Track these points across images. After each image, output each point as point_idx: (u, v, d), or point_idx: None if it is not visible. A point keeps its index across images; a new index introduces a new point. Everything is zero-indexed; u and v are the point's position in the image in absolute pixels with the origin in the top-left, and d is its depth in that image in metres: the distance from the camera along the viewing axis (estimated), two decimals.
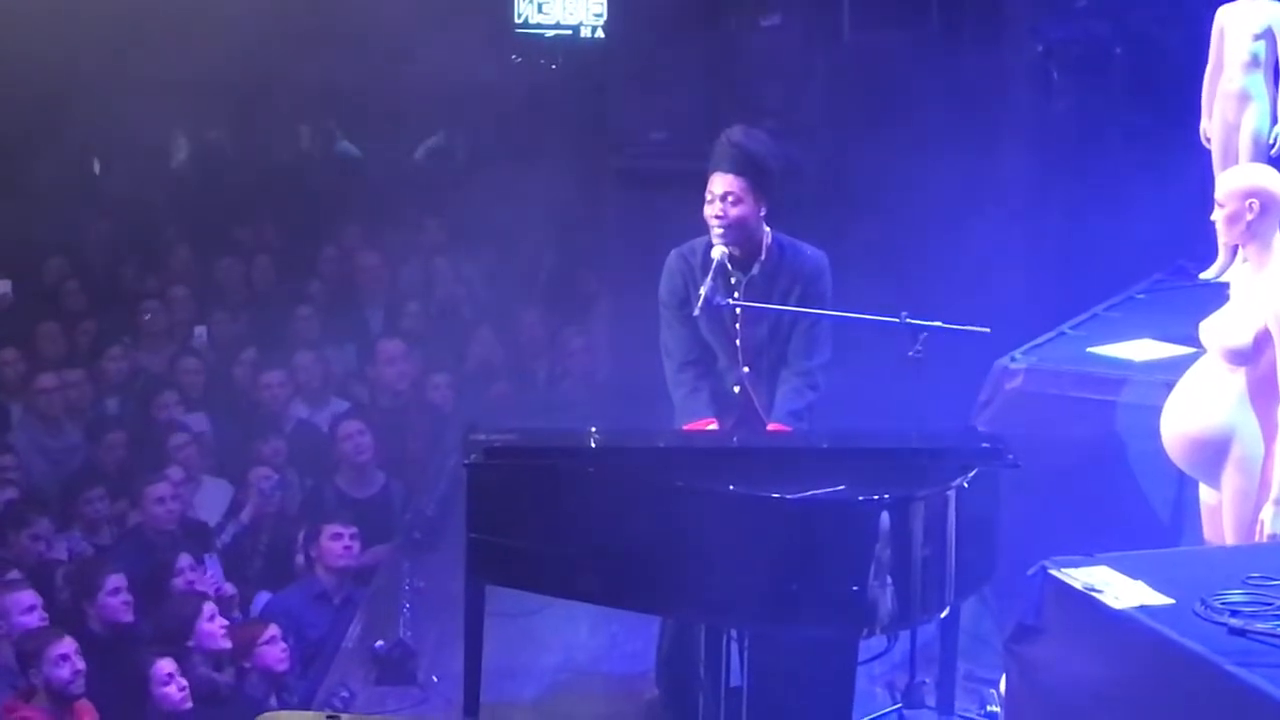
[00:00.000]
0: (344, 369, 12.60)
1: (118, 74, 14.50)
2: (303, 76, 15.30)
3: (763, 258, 7.36)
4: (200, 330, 12.92)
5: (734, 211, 7.25)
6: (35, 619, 8.51)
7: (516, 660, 8.16)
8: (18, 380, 11.87)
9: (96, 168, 14.89)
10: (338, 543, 9.57)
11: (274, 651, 8.78)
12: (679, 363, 7.45)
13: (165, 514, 9.97)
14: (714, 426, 7.33)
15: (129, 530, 10.11)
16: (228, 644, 8.68)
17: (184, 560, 9.31)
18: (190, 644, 8.57)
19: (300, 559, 9.91)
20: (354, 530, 9.65)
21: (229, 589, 9.57)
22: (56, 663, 7.97)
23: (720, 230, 7.24)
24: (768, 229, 7.38)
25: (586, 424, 7.39)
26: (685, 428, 7.37)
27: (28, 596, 8.59)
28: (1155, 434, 6.85)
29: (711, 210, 7.27)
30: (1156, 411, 6.88)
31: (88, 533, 10.12)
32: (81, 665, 8.03)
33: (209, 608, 8.71)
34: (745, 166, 7.25)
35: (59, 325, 12.59)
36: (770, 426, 7.35)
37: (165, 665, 8.16)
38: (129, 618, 8.82)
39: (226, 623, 8.77)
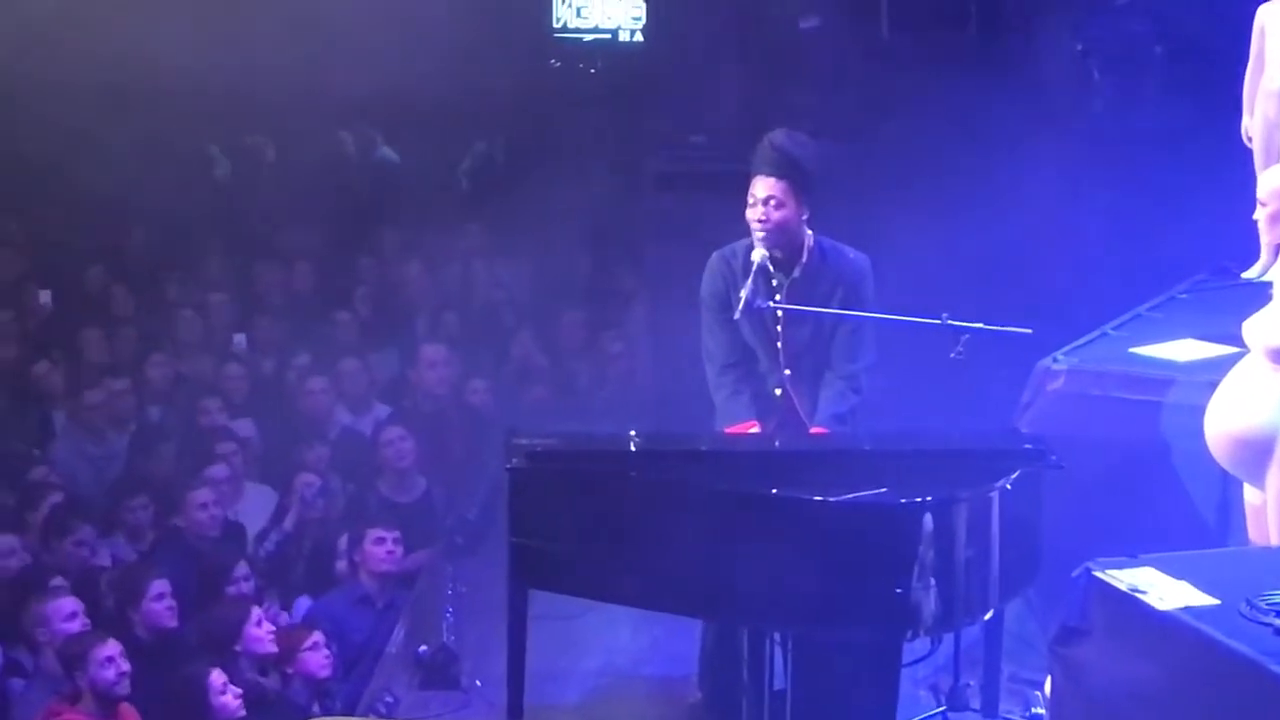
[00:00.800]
0: (386, 374, 12.61)
1: (158, 80, 14.54)
2: (343, 82, 15.33)
3: (804, 260, 7.36)
4: (240, 338, 12.96)
5: (776, 215, 7.25)
6: (77, 625, 8.52)
7: (559, 664, 8.16)
8: (60, 389, 11.91)
9: (138, 174, 14.90)
10: (380, 547, 9.57)
11: (317, 657, 8.79)
12: (720, 365, 7.46)
13: (207, 519, 10.00)
14: (755, 429, 7.32)
15: (169, 535, 10.13)
16: (274, 648, 8.69)
17: (241, 569, 9.32)
18: (238, 649, 8.58)
19: (343, 564, 9.92)
20: (396, 534, 9.65)
21: (268, 598, 9.57)
22: (102, 664, 7.99)
23: (762, 233, 7.25)
24: (810, 231, 7.38)
25: (627, 427, 7.38)
26: (727, 430, 7.37)
27: (69, 603, 8.61)
28: (1199, 434, 6.82)
29: (754, 214, 7.28)
30: (1200, 411, 6.85)
31: (131, 539, 10.14)
32: (126, 667, 8.05)
33: (256, 612, 8.72)
34: (787, 170, 7.25)
35: (101, 332, 12.62)
36: (813, 430, 7.34)
37: (218, 676, 8.16)
38: (173, 623, 8.83)
39: (273, 628, 8.78)
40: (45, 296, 13.49)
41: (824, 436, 7.32)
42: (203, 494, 10.08)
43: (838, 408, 7.36)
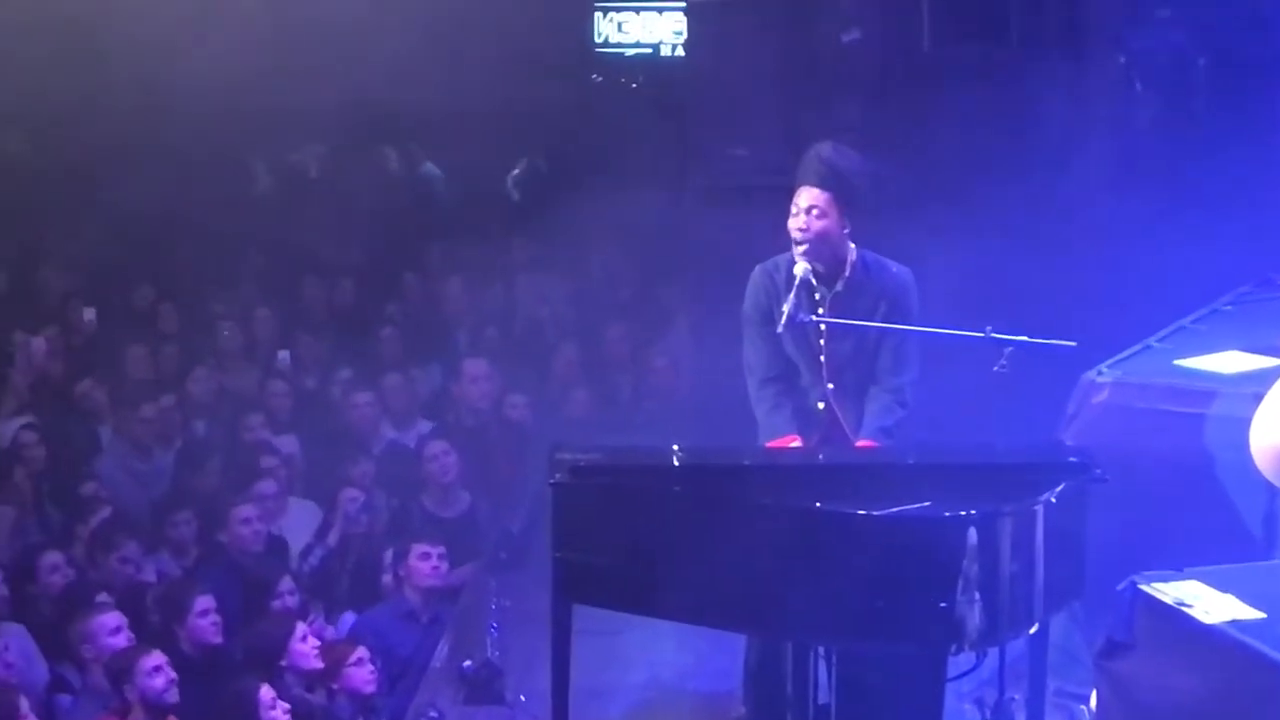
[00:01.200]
0: (428, 389, 12.64)
1: (203, 97, 14.62)
2: (386, 98, 15.39)
3: (848, 274, 7.36)
4: (284, 354, 13.00)
5: (816, 225, 7.26)
6: (122, 640, 8.55)
7: (603, 679, 8.17)
8: (105, 405, 11.97)
9: (183, 191, 14.99)
10: (425, 562, 9.59)
11: (362, 673, 8.79)
12: (761, 379, 7.46)
13: (251, 535, 10.03)
14: (797, 443, 7.32)
15: (214, 551, 10.16)
16: (320, 664, 8.70)
17: (285, 584, 9.35)
18: (284, 664, 8.59)
19: (388, 578, 9.95)
20: (442, 550, 9.66)
21: (313, 614, 9.60)
22: (149, 674, 8.03)
23: (803, 243, 7.25)
24: (853, 245, 7.38)
25: (670, 441, 7.38)
26: (769, 445, 7.37)
27: (114, 618, 8.64)
28: (1244, 446, 6.79)
29: (795, 223, 7.29)
30: (1245, 424, 6.82)
31: (175, 555, 10.17)
32: (174, 675, 8.09)
33: (301, 628, 8.74)
34: (830, 181, 7.26)
35: (146, 349, 12.68)
36: (860, 443, 7.34)
37: (268, 692, 8.17)
38: (218, 639, 8.86)
39: (318, 643, 8.79)
40: (90, 314, 13.56)
41: (868, 450, 7.31)
42: (246, 510, 10.11)
43: (884, 421, 7.35)
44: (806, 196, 7.30)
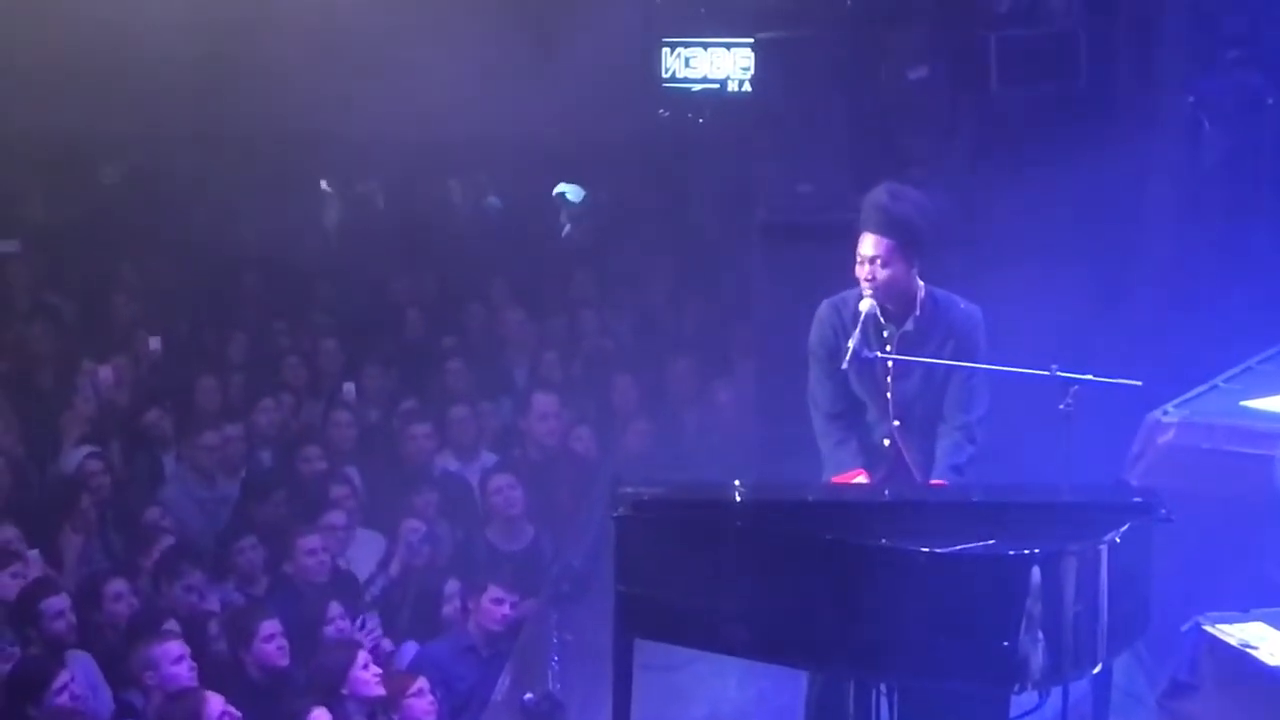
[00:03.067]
0: (496, 423, 12.67)
1: (272, 130, 14.72)
2: (453, 131, 15.46)
3: (917, 313, 7.37)
4: (349, 386, 13.05)
5: (882, 274, 7.27)
6: (185, 670, 8.57)
7: (664, 714, 8.16)
8: (172, 433, 12.03)
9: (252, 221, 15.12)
10: (499, 607, 9.57)
11: (422, 704, 8.80)
12: (826, 414, 7.47)
13: (316, 565, 10.06)
14: (863, 478, 7.31)
15: (280, 580, 10.20)
16: (381, 691, 8.70)
17: (334, 609, 9.38)
18: (345, 691, 8.61)
19: (449, 610, 9.96)
20: (515, 598, 9.66)
21: (388, 644, 9.62)
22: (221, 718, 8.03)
23: (870, 291, 7.27)
24: (921, 283, 7.38)
25: (733, 476, 7.38)
26: (834, 479, 7.36)
27: (176, 647, 8.66)
28: None
29: (861, 272, 7.32)
30: None
31: (242, 583, 10.22)
32: (239, 715, 8.10)
33: (362, 656, 8.76)
34: (891, 229, 7.27)
35: (215, 380, 12.75)
36: (933, 482, 7.32)
37: (320, 716, 8.19)
38: (285, 662, 8.90)
39: (379, 671, 8.81)
40: (155, 343, 13.64)
41: (932, 487, 7.30)
42: (311, 540, 10.15)
43: (956, 459, 7.35)
44: (870, 245, 7.31)
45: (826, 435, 7.47)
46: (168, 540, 10.32)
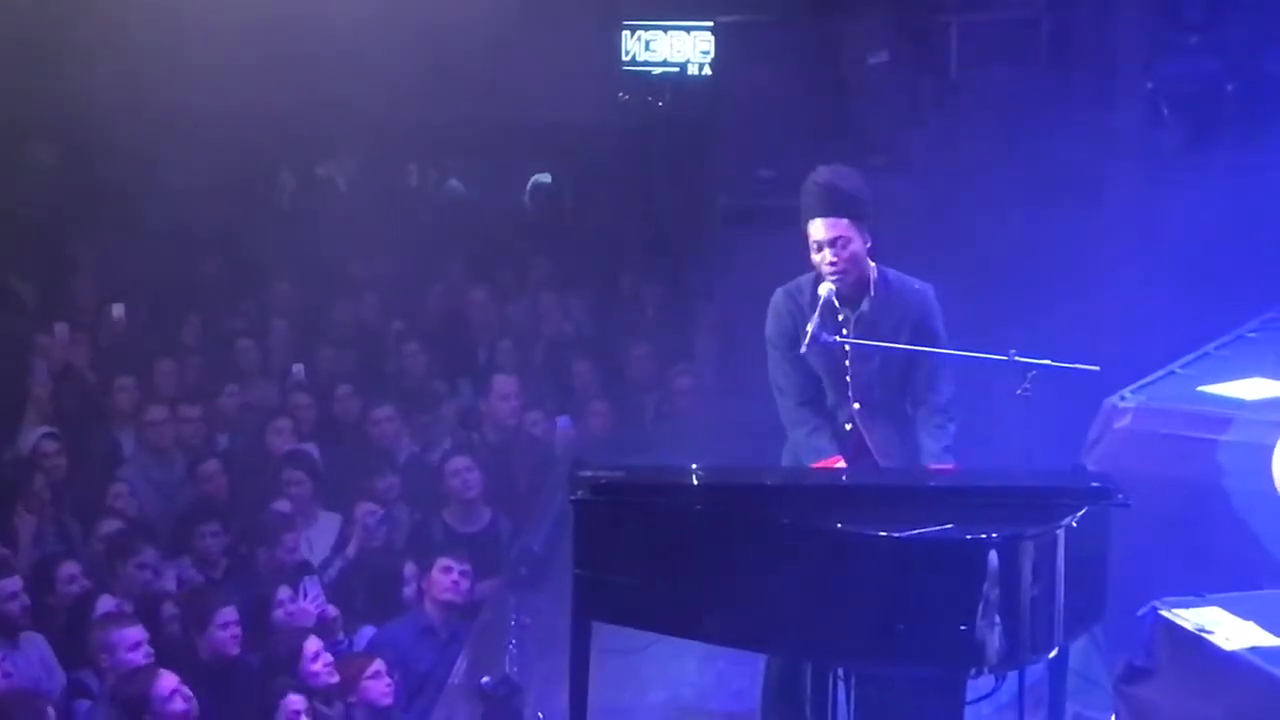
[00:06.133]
0: (453, 405, 12.66)
1: (230, 113, 14.66)
2: (412, 114, 15.42)
3: (872, 293, 7.34)
4: (298, 367, 13.01)
5: (845, 254, 7.23)
6: (141, 656, 8.54)
7: (622, 698, 8.16)
8: (130, 412, 12.00)
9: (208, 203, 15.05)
10: (447, 575, 9.59)
11: (379, 686, 8.80)
12: (796, 402, 7.43)
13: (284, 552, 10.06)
14: (841, 464, 7.30)
15: (240, 563, 10.19)
16: (335, 678, 8.70)
17: (283, 593, 9.36)
18: (295, 683, 8.59)
19: (409, 590, 9.96)
20: (465, 566, 9.67)
21: (332, 610, 9.59)
22: (168, 699, 8.04)
23: (836, 275, 7.22)
24: (873, 263, 7.36)
25: (691, 460, 7.37)
26: (814, 466, 7.36)
27: (135, 633, 8.64)
28: (1267, 473, 6.80)
29: (823, 257, 7.23)
30: (1268, 450, 6.83)
31: (201, 566, 10.19)
32: (190, 694, 8.10)
33: (311, 646, 8.72)
34: (844, 206, 7.23)
35: (173, 362, 12.71)
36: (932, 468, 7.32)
37: (295, 702, 8.16)
38: (236, 651, 8.88)
39: (331, 658, 8.79)
40: (119, 310, 13.59)
41: (890, 471, 7.31)
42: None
43: (941, 442, 7.34)
44: (825, 228, 7.24)
45: (799, 423, 7.43)
46: (116, 522, 10.28)
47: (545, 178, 17.49)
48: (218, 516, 10.47)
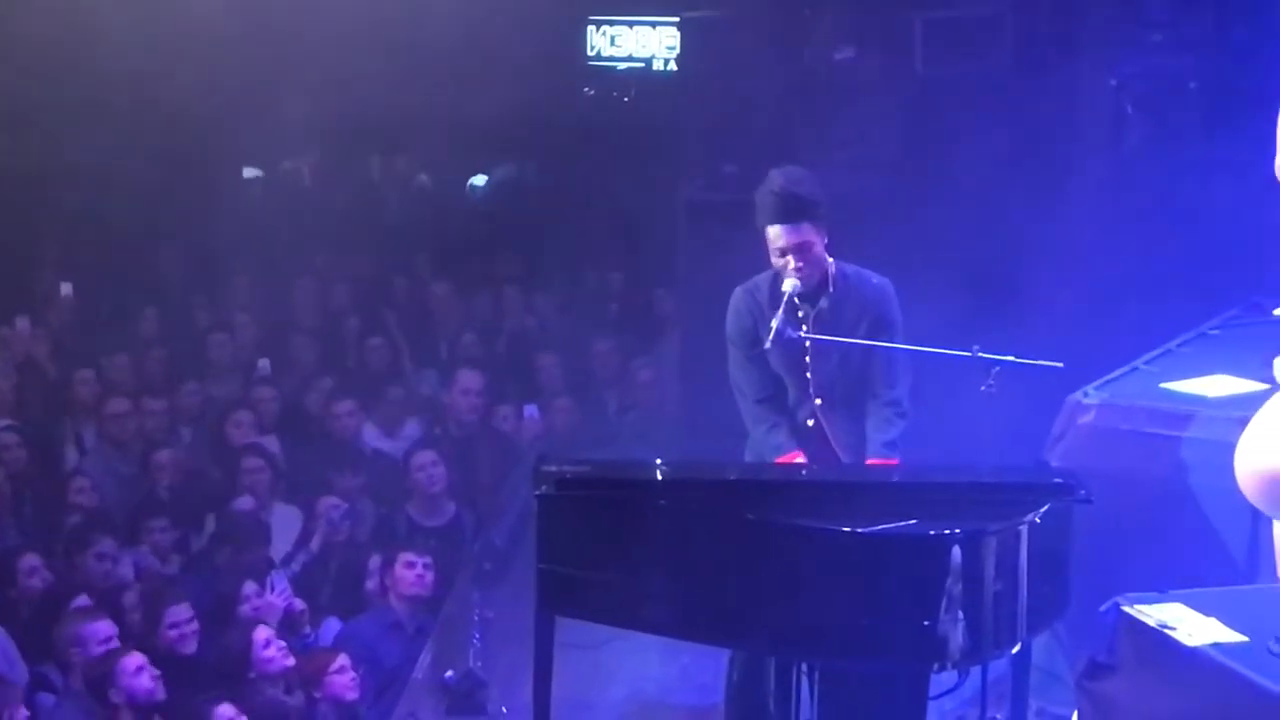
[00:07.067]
0: (418, 398, 12.65)
1: (196, 105, 14.61)
2: (377, 108, 15.38)
3: (830, 289, 7.37)
4: (264, 362, 12.98)
5: (810, 256, 7.28)
6: (110, 649, 8.55)
7: (586, 692, 8.16)
8: (91, 404, 11.96)
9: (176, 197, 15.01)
10: (410, 570, 9.58)
11: (343, 680, 8.79)
12: (755, 400, 7.47)
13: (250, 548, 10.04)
14: (801, 460, 7.32)
15: (202, 558, 10.16)
16: (290, 661, 8.68)
17: (248, 588, 9.34)
18: (253, 675, 8.58)
19: (372, 584, 9.94)
20: (428, 560, 9.66)
21: (299, 604, 9.57)
22: (134, 675, 8.07)
23: (798, 280, 7.24)
24: (831, 260, 7.39)
25: (655, 455, 7.38)
26: (775, 462, 7.37)
27: (105, 627, 8.66)
28: (1229, 470, 6.81)
29: (788, 263, 7.27)
30: (1231, 448, 6.83)
31: (154, 556, 10.17)
32: (157, 673, 8.10)
33: (263, 634, 8.70)
34: (801, 211, 7.26)
35: (130, 355, 12.67)
36: (869, 461, 7.34)
37: (225, 710, 8.14)
38: (192, 649, 8.86)
39: (283, 644, 8.77)
40: (67, 289, 13.53)
41: (853, 467, 7.33)
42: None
43: (888, 434, 7.37)
44: (786, 234, 7.27)
45: (759, 420, 7.47)
46: (77, 515, 10.25)
47: (480, 180, 17.48)
48: (167, 512, 10.45)
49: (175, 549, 10.30)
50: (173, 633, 8.80)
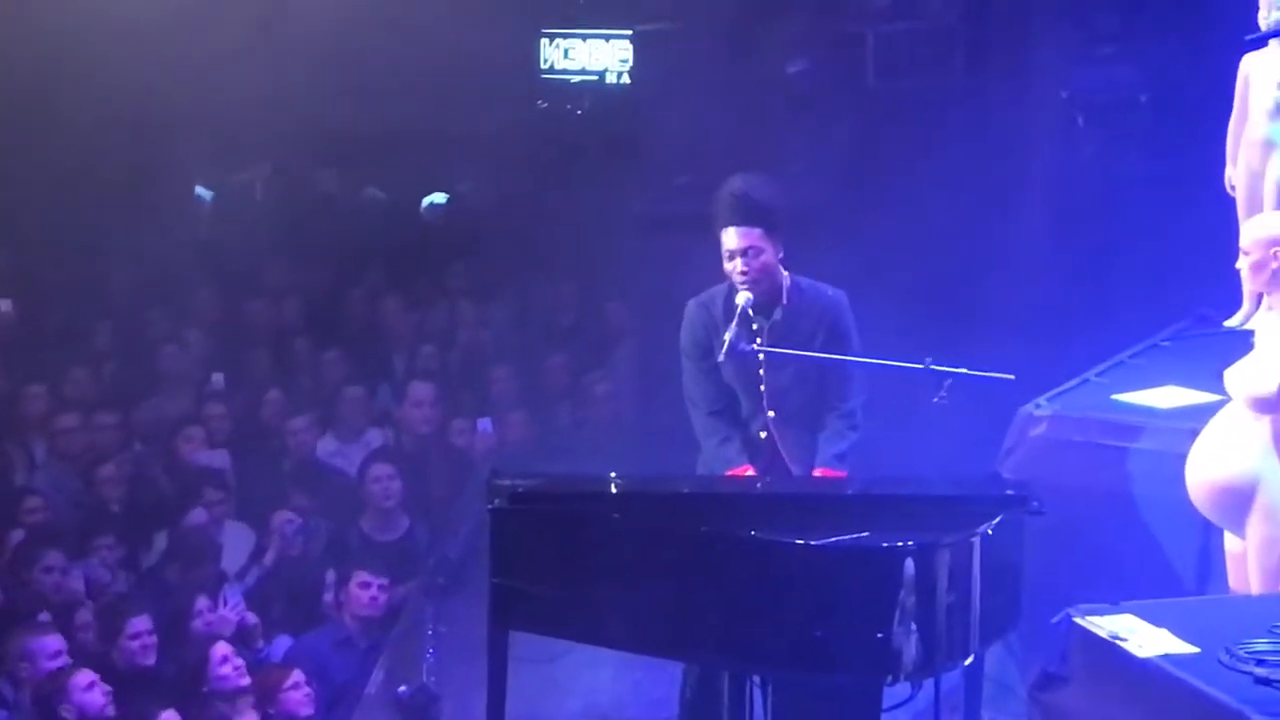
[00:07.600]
0: (370, 412, 12.60)
1: (146, 115, 14.55)
2: (329, 120, 15.36)
3: (784, 302, 7.38)
4: (218, 377, 12.92)
5: (756, 263, 7.28)
6: (60, 664, 8.51)
7: (540, 707, 8.15)
8: (40, 418, 11.89)
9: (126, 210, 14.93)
10: (365, 591, 9.55)
11: (297, 697, 8.75)
12: (706, 413, 7.47)
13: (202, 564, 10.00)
14: (751, 473, 7.33)
15: (154, 573, 10.12)
16: (245, 681, 8.65)
17: (201, 602, 9.30)
18: (206, 690, 8.55)
19: (328, 599, 9.91)
20: (383, 582, 9.62)
21: (252, 618, 9.53)
22: (85, 690, 8.03)
23: (747, 284, 7.25)
24: (785, 272, 7.40)
25: (608, 469, 7.38)
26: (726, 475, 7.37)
27: (54, 641, 8.61)
28: (1180, 481, 6.84)
29: (735, 266, 7.28)
30: (1181, 459, 6.87)
31: (105, 570, 10.12)
32: (109, 689, 8.07)
33: (218, 651, 8.67)
34: (756, 216, 7.27)
35: (85, 369, 12.61)
36: (816, 472, 7.35)
37: (169, 718, 8.11)
38: (150, 661, 8.82)
39: (240, 662, 8.75)
40: (4, 305, 13.47)
41: (806, 479, 7.33)
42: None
43: (838, 447, 7.38)
44: (737, 237, 7.28)
45: (711, 433, 7.47)
46: (18, 534, 10.19)
47: (440, 197, 17.45)
48: (113, 529, 10.39)
49: (124, 564, 10.23)
50: (134, 644, 8.76)
